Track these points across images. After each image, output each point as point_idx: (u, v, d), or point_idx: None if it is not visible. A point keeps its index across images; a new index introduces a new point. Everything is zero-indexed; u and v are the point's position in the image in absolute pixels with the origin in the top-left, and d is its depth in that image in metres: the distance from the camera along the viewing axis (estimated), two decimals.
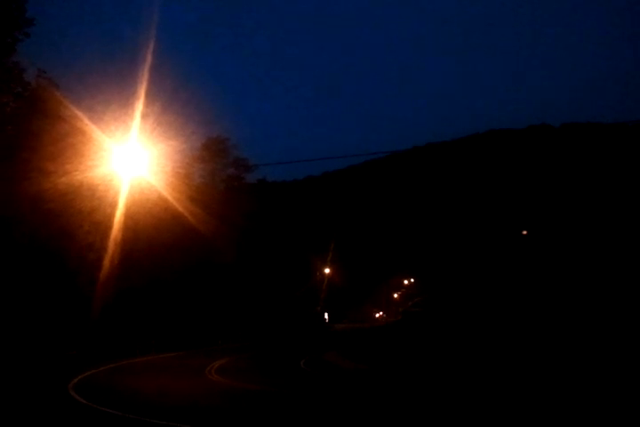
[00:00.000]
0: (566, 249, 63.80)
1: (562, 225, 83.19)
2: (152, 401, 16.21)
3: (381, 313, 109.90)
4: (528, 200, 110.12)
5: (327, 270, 77.18)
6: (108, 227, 33.23)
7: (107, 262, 33.50)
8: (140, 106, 29.84)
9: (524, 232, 77.39)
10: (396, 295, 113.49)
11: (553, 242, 69.55)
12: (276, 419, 13.71)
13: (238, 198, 51.24)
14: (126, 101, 31.54)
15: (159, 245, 38.26)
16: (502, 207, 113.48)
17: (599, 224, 74.23)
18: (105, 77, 34.02)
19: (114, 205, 32.33)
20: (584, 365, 22.80)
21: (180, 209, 38.53)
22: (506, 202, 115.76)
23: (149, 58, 30.75)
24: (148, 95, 30.71)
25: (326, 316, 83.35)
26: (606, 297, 41.61)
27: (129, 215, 33.60)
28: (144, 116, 30.83)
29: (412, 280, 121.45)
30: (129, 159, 27.14)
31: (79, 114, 32.17)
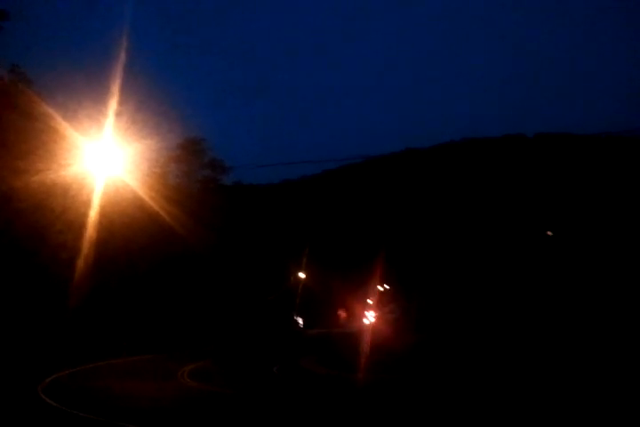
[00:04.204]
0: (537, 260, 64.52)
1: (532, 232, 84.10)
2: (121, 404, 15.85)
3: (366, 318, 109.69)
4: (506, 207, 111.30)
5: (302, 275, 76.88)
6: (82, 226, 32.64)
7: (80, 262, 32.90)
8: (113, 104, 29.36)
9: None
10: (370, 301, 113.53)
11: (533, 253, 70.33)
12: (239, 422, 13.58)
13: (214, 200, 50.82)
14: (100, 99, 31.02)
15: (134, 244, 37.77)
16: (478, 215, 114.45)
17: (570, 232, 75.17)
18: (78, 74, 33.57)
19: (88, 205, 31.72)
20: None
21: (156, 209, 38.04)
22: (481, 210, 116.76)
23: (123, 55, 30.33)
24: (122, 93, 30.17)
25: (300, 321, 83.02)
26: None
27: (103, 214, 33.01)
28: (118, 114, 30.30)
29: (387, 287, 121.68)
30: (103, 158, 26.70)
31: (52, 111, 31.67)
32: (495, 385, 20.40)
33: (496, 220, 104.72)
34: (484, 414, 14.97)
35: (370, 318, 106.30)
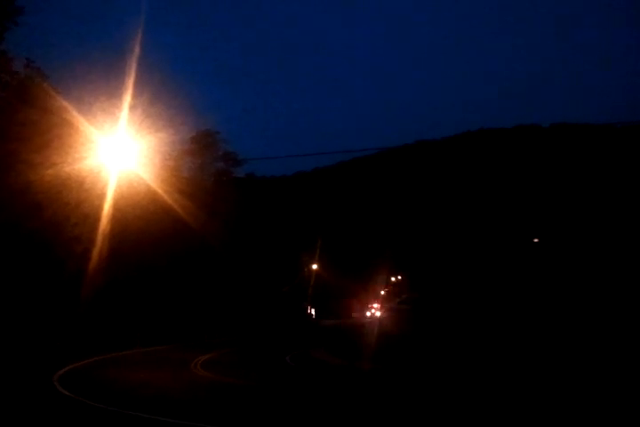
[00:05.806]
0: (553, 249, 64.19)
1: (548, 222, 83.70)
2: (134, 394, 16.13)
3: (372, 309, 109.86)
4: (519, 198, 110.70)
5: (315, 266, 77.15)
6: (96, 219, 32.97)
7: (95, 255, 33.27)
8: (127, 97, 29.60)
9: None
10: (383, 292, 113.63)
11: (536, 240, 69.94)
12: (253, 413, 13.72)
13: (227, 193, 51.07)
14: (114, 93, 31.29)
15: (147, 237, 38.03)
16: (491, 205, 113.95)
17: (584, 224, 74.69)
18: (93, 68, 33.72)
19: (102, 198, 32.04)
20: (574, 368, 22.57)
21: (169, 202, 38.30)
22: (495, 200, 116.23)
23: (137, 49, 30.51)
24: (136, 87, 30.45)
25: (313, 312, 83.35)
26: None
27: (117, 208, 33.33)
28: (132, 107, 30.57)
29: (400, 277, 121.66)
30: (117, 151, 26.89)
31: (67, 105, 31.91)
32: (501, 376, 20.53)
33: (509, 211, 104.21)
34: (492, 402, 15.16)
35: (374, 309, 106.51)
